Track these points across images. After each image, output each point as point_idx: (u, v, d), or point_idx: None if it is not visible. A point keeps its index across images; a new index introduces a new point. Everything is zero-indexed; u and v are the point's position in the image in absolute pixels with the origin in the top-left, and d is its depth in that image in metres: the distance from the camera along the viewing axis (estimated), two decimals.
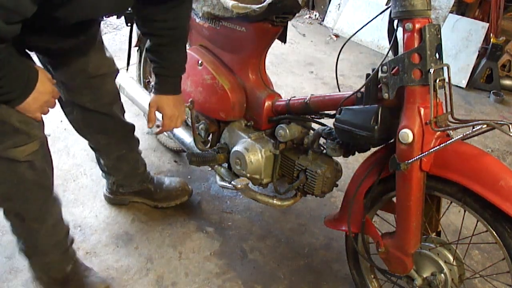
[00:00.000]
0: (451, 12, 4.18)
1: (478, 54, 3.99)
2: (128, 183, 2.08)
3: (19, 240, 1.60)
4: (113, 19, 3.29)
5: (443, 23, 4.16)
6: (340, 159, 1.70)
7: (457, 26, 4.11)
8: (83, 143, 2.53)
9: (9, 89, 1.19)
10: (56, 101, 1.37)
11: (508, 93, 3.95)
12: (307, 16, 5.45)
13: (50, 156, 1.52)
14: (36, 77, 1.24)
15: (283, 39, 1.72)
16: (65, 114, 1.78)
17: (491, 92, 3.85)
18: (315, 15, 5.45)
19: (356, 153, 1.57)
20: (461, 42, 4.06)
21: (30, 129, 1.34)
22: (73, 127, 1.83)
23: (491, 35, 3.94)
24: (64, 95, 1.67)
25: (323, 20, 5.25)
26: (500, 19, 4.03)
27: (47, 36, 1.32)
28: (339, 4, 5.08)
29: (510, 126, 1.11)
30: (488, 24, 4.00)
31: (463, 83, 3.97)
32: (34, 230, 1.55)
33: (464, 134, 1.20)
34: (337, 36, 4.89)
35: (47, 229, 1.57)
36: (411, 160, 1.21)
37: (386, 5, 1.29)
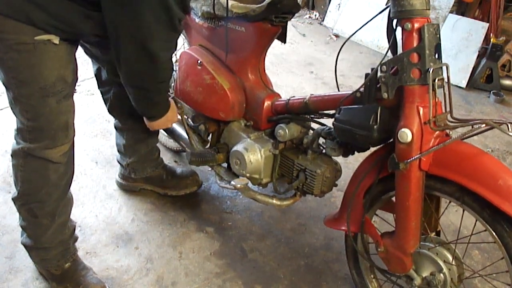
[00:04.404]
0: (451, 12, 4.18)
1: (478, 54, 3.99)
2: (141, 167, 2.13)
3: (24, 232, 1.65)
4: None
5: (443, 23, 4.16)
6: (340, 159, 1.70)
7: (457, 26, 4.11)
8: (83, 143, 2.55)
9: (159, 111, 1.67)
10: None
11: (508, 93, 3.94)
12: (307, 16, 5.45)
13: (74, 158, 1.60)
14: (169, 106, 1.70)
15: (283, 39, 1.72)
16: (101, 93, 1.93)
17: (491, 92, 3.85)
18: (315, 15, 5.45)
19: (356, 152, 1.58)
20: (461, 42, 4.06)
21: (70, 130, 1.48)
22: (106, 105, 1.95)
23: (491, 35, 3.93)
24: (107, 73, 1.78)
25: (323, 20, 5.25)
26: (500, 19, 4.03)
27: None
28: (339, 4, 5.08)
29: (509, 125, 1.12)
30: (488, 24, 4.00)
31: (463, 83, 3.97)
32: (44, 227, 1.59)
33: (464, 133, 1.20)
34: (337, 36, 4.88)
35: (56, 227, 1.61)
36: (410, 160, 1.21)
37: (386, 4, 1.29)
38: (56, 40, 1.30)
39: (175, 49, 1.49)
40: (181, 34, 2.20)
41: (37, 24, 1.24)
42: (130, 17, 1.24)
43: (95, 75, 1.87)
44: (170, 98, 1.75)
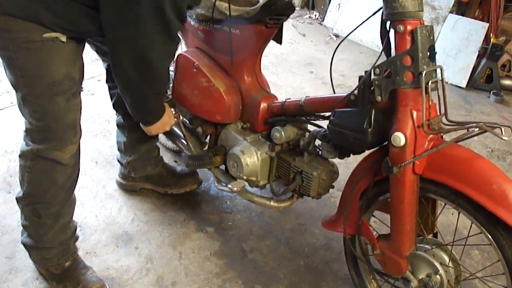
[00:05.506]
0: (451, 12, 4.17)
1: (478, 54, 3.98)
2: (141, 165, 2.14)
3: (25, 232, 1.65)
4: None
5: (443, 23, 4.16)
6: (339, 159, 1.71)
7: (457, 26, 4.10)
8: (83, 143, 2.54)
9: (155, 116, 1.68)
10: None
11: (508, 93, 3.94)
12: (307, 16, 5.44)
13: (79, 159, 1.62)
14: (164, 111, 1.71)
15: (279, 40, 1.72)
16: (108, 87, 1.95)
17: (491, 92, 3.85)
18: (315, 15, 5.44)
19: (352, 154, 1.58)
20: (461, 42, 4.05)
21: (77, 128, 1.50)
22: (111, 100, 1.96)
23: (491, 35, 3.93)
24: None
25: (323, 20, 5.24)
26: (500, 19, 4.03)
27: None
28: (339, 4, 5.07)
29: (503, 129, 1.12)
30: (488, 24, 3.99)
31: (463, 83, 3.97)
32: (46, 227, 1.60)
33: (458, 136, 1.20)
34: (337, 36, 4.87)
35: (59, 227, 1.62)
36: (403, 164, 1.21)
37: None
38: (63, 38, 1.32)
39: (172, 60, 1.49)
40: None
41: (45, 24, 1.26)
42: (130, 28, 1.26)
43: (106, 70, 1.88)
44: (164, 102, 1.76)
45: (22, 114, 1.45)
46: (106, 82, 1.94)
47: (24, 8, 1.23)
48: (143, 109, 1.62)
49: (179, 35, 2.03)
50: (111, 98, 1.95)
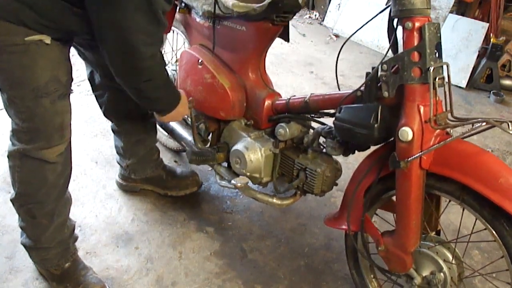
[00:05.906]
0: (451, 12, 4.19)
1: (478, 54, 4.00)
2: (141, 168, 2.13)
3: (24, 233, 1.64)
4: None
5: (443, 23, 4.17)
6: (340, 159, 1.70)
7: (457, 26, 4.12)
8: (84, 143, 2.55)
9: (166, 107, 1.64)
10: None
11: (508, 93, 3.95)
12: (307, 16, 5.46)
13: (71, 157, 1.59)
14: (178, 102, 1.65)
15: (286, 38, 1.72)
16: (95, 97, 1.91)
17: (491, 92, 3.86)
18: (315, 15, 5.46)
19: (356, 152, 1.58)
20: (461, 42, 4.06)
21: (65, 131, 1.47)
22: (101, 109, 1.93)
23: (491, 35, 3.95)
24: (100, 77, 1.77)
25: (323, 20, 5.26)
26: (500, 19, 4.04)
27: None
28: (339, 4, 5.09)
29: (510, 124, 1.12)
30: (488, 24, 4.01)
31: (463, 83, 3.98)
32: (42, 227, 1.58)
33: (464, 132, 1.20)
34: (337, 36, 4.89)
35: (55, 226, 1.61)
36: (411, 158, 1.21)
37: (386, 4, 1.30)
38: (47, 40, 1.30)
39: (161, 45, 1.44)
40: (182, 34, 2.20)
41: (27, 24, 1.24)
42: (112, 9, 1.22)
43: (89, 79, 1.85)
44: (182, 92, 1.71)
45: (9, 115, 1.43)
46: (92, 91, 1.90)
47: (6, 8, 1.21)
48: (147, 100, 1.55)
49: (183, 30, 2.00)
50: (100, 107, 1.93)
